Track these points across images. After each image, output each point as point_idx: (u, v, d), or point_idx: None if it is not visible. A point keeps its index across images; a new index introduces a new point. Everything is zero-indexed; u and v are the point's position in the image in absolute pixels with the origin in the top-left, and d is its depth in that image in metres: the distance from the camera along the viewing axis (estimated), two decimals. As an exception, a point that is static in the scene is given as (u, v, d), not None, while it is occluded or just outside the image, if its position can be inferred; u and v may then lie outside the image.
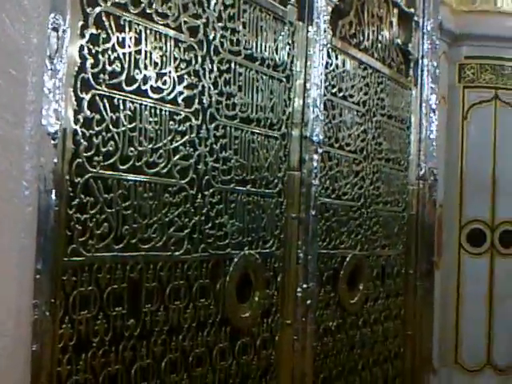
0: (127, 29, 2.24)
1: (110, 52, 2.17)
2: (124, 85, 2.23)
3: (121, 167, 2.22)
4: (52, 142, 1.93)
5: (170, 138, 2.41)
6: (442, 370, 4.87)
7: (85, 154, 2.09)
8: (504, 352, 5.16)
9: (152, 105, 2.34)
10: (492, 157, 5.06)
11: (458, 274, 5.00)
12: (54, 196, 1.94)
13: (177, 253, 2.45)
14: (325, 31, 3.27)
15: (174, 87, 2.43)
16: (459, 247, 5.00)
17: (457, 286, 4.96)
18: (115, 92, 2.19)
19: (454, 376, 4.94)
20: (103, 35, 2.15)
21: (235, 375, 2.77)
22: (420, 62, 4.37)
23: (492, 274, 5.04)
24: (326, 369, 3.42)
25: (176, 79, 2.43)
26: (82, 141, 2.08)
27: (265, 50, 2.91)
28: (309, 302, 3.15)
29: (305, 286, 3.12)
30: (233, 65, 2.72)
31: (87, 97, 2.10)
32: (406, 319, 4.28)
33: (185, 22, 2.48)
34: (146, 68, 2.31)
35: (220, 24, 2.64)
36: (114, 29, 2.19)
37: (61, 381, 2.03)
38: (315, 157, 3.19)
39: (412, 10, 4.27)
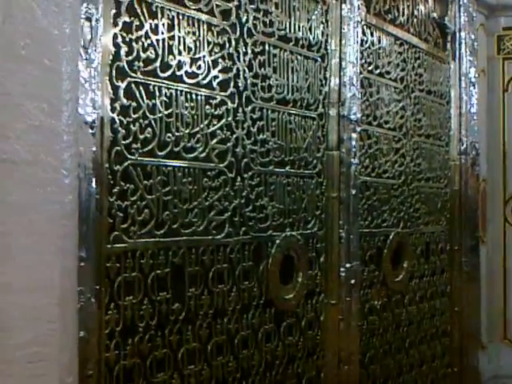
0: (159, 15, 2.24)
1: (143, 39, 2.18)
2: (159, 71, 2.24)
3: (159, 153, 2.24)
4: (90, 130, 1.94)
5: (206, 122, 2.41)
6: (491, 346, 4.81)
7: (123, 142, 2.11)
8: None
9: (187, 90, 2.34)
10: (535, 128, 4.96)
11: (504, 248, 4.92)
12: (94, 184, 1.96)
13: (218, 236, 2.46)
14: (358, 8, 3.24)
15: (208, 71, 2.43)
16: (504, 221, 4.92)
17: (503, 261, 4.88)
18: (150, 79, 2.20)
19: (502, 351, 4.88)
20: (136, 23, 2.16)
21: (281, 356, 2.78)
22: (457, 35, 4.30)
23: (539, 247, 4.96)
24: (372, 348, 3.41)
25: (210, 63, 2.43)
26: (119, 129, 2.09)
27: (298, 30, 2.90)
28: (353, 281, 3.14)
29: (348, 265, 3.11)
30: (267, 46, 2.71)
31: (123, 85, 2.11)
32: (452, 296, 4.24)
33: (217, 6, 2.47)
34: (180, 54, 2.31)
35: (252, 6, 2.63)
36: (146, 16, 2.20)
37: (109, 366, 2.06)
38: (353, 135, 3.17)
39: (447, -18, 4.20)
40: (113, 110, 2.07)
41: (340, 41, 3.12)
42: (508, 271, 4.89)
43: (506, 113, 4.96)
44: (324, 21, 3.05)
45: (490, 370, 4.74)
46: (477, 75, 4.43)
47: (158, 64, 2.23)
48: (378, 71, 3.47)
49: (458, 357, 4.28)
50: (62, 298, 1.78)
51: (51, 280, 1.75)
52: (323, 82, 3.05)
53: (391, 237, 3.54)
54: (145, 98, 2.19)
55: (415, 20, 3.86)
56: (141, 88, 2.17)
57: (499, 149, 4.92)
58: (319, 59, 3.02)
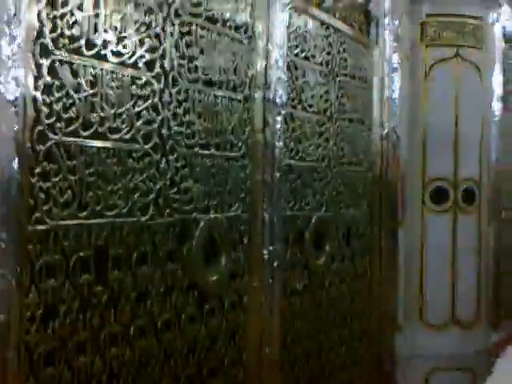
0: (85, -8, 2.20)
1: (68, 16, 2.13)
2: (84, 49, 2.20)
3: (83, 133, 2.20)
4: (12, 108, 1.90)
5: (132, 102, 2.39)
6: (407, 327, 4.96)
7: (46, 121, 2.06)
8: (467, 308, 5.27)
9: (113, 69, 2.31)
10: (454, 114, 5.10)
11: (422, 231, 5.06)
12: (16, 164, 1.92)
13: (142, 218, 2.45)
14: (286, -9, 3.26)
15: (134, 51, 2.40)
16: (422, 205, 5.06)
17: (421, 244, 5.03)
18: (75, 57, 2.16)
19: (418, 332, 5.04)
20: (61, -1, 2.11)
21: (204, 339, 2.79)
22: (381, 21, 4.37)
23: (455, 230, 5.12)
24: (293, 329, 3.47)
25: (137, 43, 2.41)
26: (42, 107, 2.05)
27: (226, 11, 2.89)
28: (275, 263, 3.18)
29: (271, 247, 3.15)
30: (194, 27, 2.70)
31: (47, 62, 2.06)
32: (371, 278, 4.34)
33: (144, -16, 2.44)
34: (105, 32, 2.27)
35: (180, -15, 2.61)
36: (71, -8, 2.15)
37: (30, 350, 2.03)
38: (278, 118, 3.20)
39: (373, -32, 4.26)
40: (36, 88, 2.03)
41: (267, 23, 3.13)
42: (426, 254, 5.04)
43: (427, 98, 5.08)
44: (251, 3, 3.05)
45: (407, 350, 4.89)
46: (399, 61, 4.52)
47: (83, 42, 2.19)
48: (303, 55, 3.50)
49: (376, 338, 4.39)
50: (-18, 282, 1.74)
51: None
52: (250, 64, 3.06)
53: (313, 220, 3.60)
54: (69, 76, 2.14)
55: (341, 5, 3.91)
56: (65, 66, 2.13)
57: (420, 134, 5.04)
58: (246, 41, 3.03)
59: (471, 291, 5.28)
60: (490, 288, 5.47)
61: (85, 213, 2.21)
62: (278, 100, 3.17)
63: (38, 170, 2.04)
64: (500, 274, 5.79)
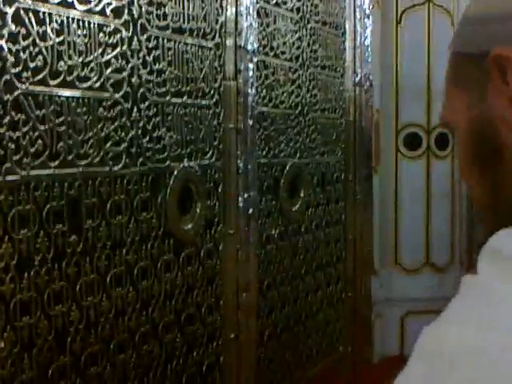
0: None
1: (31, -38, 2.08)
2: (49, -4, 2.15)
3: (51, 82, 2.16)
4: (-23, 58, 1.86)
5: (100, 50, 2.35)
6: (383, 271, 5.02)
7: (12, 71, 2.02)
8: (442, 251, 5.33)
9: (79, 17, 2.26)
10: (427, 60, 5.09)
11: (396, 177, 5.09)
12: (-17, 114, 1.88)
13: (115, 168, 2.43)
14: None
15: (101, -2, 2.35)
16: (396, 151, 5.08)
17: (395, 190, 5.06)
18: (40, 4, 2.11)
19: (394, 276, 5.10)
20: None
21: (181, 286, 2.80)
22: (352, -35, 4.32)
23: (428, 175, 5.15)
24: (269, 275, 3.49)
25: (103, -11, 2.35)
26: (8, 56, 2.00)
27: (194, -44, 2.83)
28: (251, 211, 3.17)
29: (246, 195, 3.14)
30: (162, -27, 2.64)
31: (10, 10, 2.01)
32: (346, 224, 4.37)
33: None
34: (70, -22, 2.22)
35: None
36: None
37: (5, 300, 2.02)
38: (250, 66, 3.16)
39: None
40: (0, 36, 1.98)
41: (236, -31, 3.08)
42: (399, 200, 5.07)
43: (399, 45, 5.06)
44: None
45: (382, 294, 4.95)
46: (371, 7, 4.48)
47: (47, -11, 2.14)
48: (274, 1, 3.45)
49: (352, 283, 4.44)
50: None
51: None
52: (219, 11, 3.01)
53: (288, 167, 3.60)
54: (34, 24, 2.10)
55: (311, -50, 3.85)
56: (30, 14, 2.08)
57: (392, 80, 5.04)
58: (215, -13, 2.98)
59: (445, 235, 5.34)
60: (463, 232, 5.53)
61: (56, 163, 2.19)
62: (249, 47, 3.13)
63: (6, 120, 2.00)
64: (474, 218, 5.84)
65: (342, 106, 4.28)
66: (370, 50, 4.44)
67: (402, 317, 5.11)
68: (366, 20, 4.41)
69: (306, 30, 3.79)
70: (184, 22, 2.78)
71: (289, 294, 3.69)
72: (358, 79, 4.36)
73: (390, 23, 5.05)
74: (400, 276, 5.10)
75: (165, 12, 2.66)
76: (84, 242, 2.30)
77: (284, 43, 3.56)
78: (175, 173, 2.73)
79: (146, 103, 2.57)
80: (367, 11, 4.42)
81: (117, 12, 2.42)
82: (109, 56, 2.38)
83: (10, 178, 2.02)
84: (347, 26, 4.31)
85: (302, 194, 3.78)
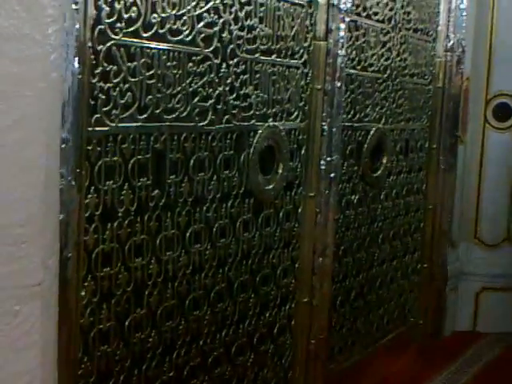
0: None
1: None
2: None
3: (144, 34, 2.16)
4: (73, 6, 1.86)
5: (194, 3, 2.33)
6: (462, 244, 4.92)
7: (107, 20, 2.03)
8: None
9: (175, -30, 2.25)
10: (524, 27, 4.88)
11: (482, 149, 4.94)
12: (76, 63, 1.89)
13: (201, 124, 2.43)
14: None
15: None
16: (484, 121, 4.92)
17: (480, 162, 4.92)
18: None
19: (472, 250, 4.99)
20: None
21: (258, 246, 2.81)
22: None
23: (516, 149, 4.99)
24: (347, 241, 3.47)
25: None
26: (103, 6, 2.01)
27: None
28: (332, 174, 3.14)
29: (328, 158, 3.11)
30: None
31: (108, -40, 2.02)
32: (427, 193, 4.29)
33: None
34: None
35: None
36: None
37: (88, 249, 2.06)
38: (342, 26, 3.10)
39: None
40: (97, -15, 1.99)
41: None
42: (484, 172, 4.94)
43: (495, 10, 4.87)
44: None
45: (458, 267, 4.86)
46: (469, -30, 4.32)
47: None
48: (370, -40, 3.36)
49: (429, 253, 4.38)
50: (45, 179, 1.74)
51: (34, 159, 1.71)
52: (314, -33, 2.95)
53: (372, 132, 3.54)
54: (130, -25, 2.09)
55: None
56: (127, -36, 2.08)
57: (486, 47, 4.85)
58: None
59: (528, 211, 5.18)
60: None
61: (144, 116, 2.20)
62: (342, 6, 3.07)
63: (98, 71, 2.02)
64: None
65: (432, 71, 4.18)
66: (464, 13, 4.30)
67: (478, 292, 5.02)
68: (462, -18, 4.26)
69: (401, -10, 3.69)
70: (278, -22, 2.74)
71: (364, 261, 3.67)
72: (450, 44, 4.24)
73: (488, -13, 4.87)
74: (478, 250, 4.99)
75: (259, -33, 2.62)
76: (166, 197, 2.32)
77: (377, 3, 3.47)
78: (260, 132, 2.71)
79: (235, 60, 2.55)
80: (464, -26, 4.27)
81: (211, -35, 2.39)
82: (201, 10, 2.37)
83: (99, 128, 2.04)
84: (443, -12, 4.18)
85: (384, 161, 3.72)
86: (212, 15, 2.41)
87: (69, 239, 1.96)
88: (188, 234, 2.44)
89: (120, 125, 2.12)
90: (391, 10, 3.61)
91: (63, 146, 1.88)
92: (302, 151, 3.01)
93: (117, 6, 2.05)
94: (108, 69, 2.06)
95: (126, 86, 2.12)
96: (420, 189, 4.22)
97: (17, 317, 1.67)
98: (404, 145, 3.95)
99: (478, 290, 5.01)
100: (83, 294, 2.07)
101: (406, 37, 3.80)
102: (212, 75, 2.45)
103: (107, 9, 2.02)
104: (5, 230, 1.63)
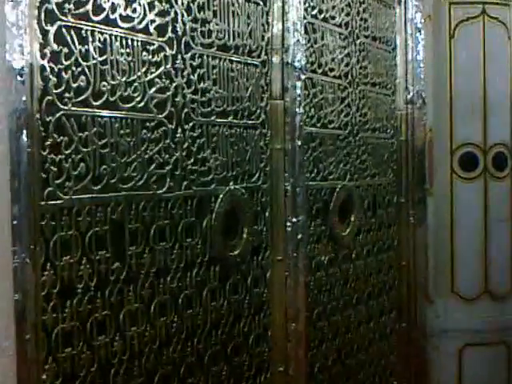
0: (91, -47, 2.17)
1: (73, -21, 2.11)
2: (91, 14, 2.17)
3: (94, 103, 2.19)
4: (19, 78, 1.88)
5: (144, 69, 2.37)
6: (439, 300, 4.93)
7: (55, 91, 2.05)
8: (501, 279, 5.22)
9: (123, 35, 2.29)
10: (482, 76, 5.02)
11: (451, 200, 5.01)
12: (25, 136, 1.90)
13: (159, 191, 2.44)
14: (301, -52, 3.20)
15: (144, 15, 2.37)
16: (451, 172, 5.00)
17: (450, 213, 4.98)
18: (82, 22, 2.14)
19: (450, 305, 5.01)
20: (65, -39, 2.09)
21: (227, 315, 2.79)
22: (403, -22, 4.31)
23: (486, 198, 5.07)
24: (320, 304, 3.46)
25: (146, 6, 2.38)
26: (50, 77, 2.03)
27: (239, -29, 2.85)
28: (299, 236, 3.16)
29: (294, 219, 3.13)
30: (206, -11, 2.66)
31: (53, 29, 2.05)
32: (399, 249, 4.32)
33: None
34: (113, -5, 2.25)
35: None
36: (76, -46, 2.12)
37: (47, 329, 2.03)
38: (298, 84, 3.16)
39: None
40: (43, 56, 2.01)
41: (282, -17, 3.09)
42: (455, 223, 4.99)
43: (453, 60, 5.01)
44: (265, -38, 3.01)
45: (437, 324, 4.87)
46: (423, 21, 4.46)
47: (90, 7, 2.16)
48: (322, 16, 3.45)
49: (406, 312, 4.38)
50: (-5, 258, 1.74)
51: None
52: (266, 27, 3.02)
53: (338, 189, 3.57)
54: (77, 43, 2.12)
55: (360, -38, 3.85)
56: (72, 32, 2.11)
57: (446, 97, 4.97)
58: (261, 3, 2.99)
59: (504, 261, 5.23)
60: (524, 257, 5.41)
61: (99, 186, 2.21)
62: (296, 64, 3.14)
63: (48, 143, 2.03)
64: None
65: (394, 124, 4.26)
66: (422, 65, 4.41)
67: (460, 349, 5.02)
68: (417, 34, 4.39)
69: (355, 45, 3.79)
70: (229, 39, 2.80)
71: (340, 324, 3.66)
72: (410, 96, 4.34)
73: (443, 37, 5.00)
74: (457, 305, 5.01)
75: (209, 29, 2.68)
76: (127, 269, 2.31)
77: (332, 60, 3.55)
78: (221, 196, 2.73)
79: (191, 124, 2.59)
80: (419, 25, 4.40)
81: (160, 29, 2.44)
82: (153, 75, 2.40)
83: (52, 202, 2.04)
84: (398, 41, 4.30)
85: (352, 218, 3.74)
86: (164, 80, 2.45)
87: (26, 320, 1.93)
88: (153, 307, 2.42)
89: (74, 197, 2.12)
90: (347, 65, 3.69)
91: (15, 222, 1.88)
92: (267, 213, 3.02)
93: (64, 75, 2.08)
94: (59, 140, 2.06)
95: (79, 156, 2.13)
96: (391, 245, 4.24)
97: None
98: (372, 201, 3.99)
99: (460, 347, 5.01)
100: (44, 377, 2.03)
101: (364, 91, 3.88)
102: (167, 141, 2.47)
103: (54, 79, 2.04)
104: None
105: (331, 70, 3.54)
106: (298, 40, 3.16)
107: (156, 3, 2.42)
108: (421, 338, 4.46)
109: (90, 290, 2.18)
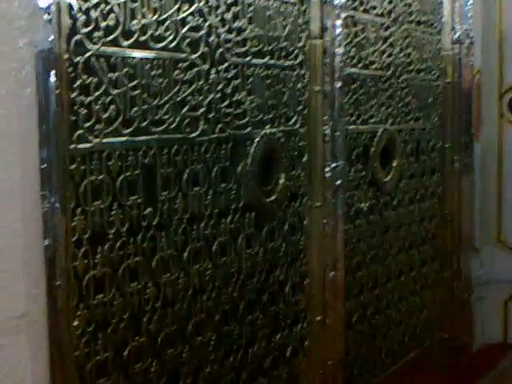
0: None
1: None
2: (121, -51, 2.15)
3: (124, 43, 2.17)
4: (46, 16, 1.87)
5: (176, 7, 2.34)
6: (485, 248, 4.89)
7: (83, 30, 2.04)
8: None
9: (154, -29, 2.26)
10: (535, 13, 4.89)
11: (499, 146, 4.93)
12: (53, 77, 1.90)
13: (192, 134, 2.43)
14: None
15: (176, -50, 2.34)
16: (500, 117, 4.92)
17: (498, 159, 4.91)
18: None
19: (496, 254, 4.96)
20: None
21: (263, 263, 2.80)
22: None
23: (536, 143, 4.98)
24: (359, 253, 3.45)
25: None
26: (78, 15, 2.02)
27: None
28: (338, 182, 3.14)
29: (333, 165, 3.11)
30: None
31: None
32: (443, 197, 4.28)
33: None
34: None
35: None
36: None
37: (78, 276, 2.05)
38: (338, 22, 3.10)
39: None
40: (70, -6, 2.00)
41: None
42: (503, 169, 4.92)
43: (504, -3, 4.88)
44: None
45: (483, 274, 4.83)
46: (472, -46, 4.33)
47: None
48: (364, -50, 3.37)
49: (449, 261, 4.35)
50: (24, 204, 1.75)
51: (11, 184, 1.72)
52: (304, -39, 2.96)
53: (379, 134, 3.53)
54: (106, -19, 2.10)
55: None
56: (101, -31, 2.09)
57: (495, 37, 4.86)
58: None
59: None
60: None
61: (130, 129, 2.21)
62: (336, 2, 3.07)
63: (77, 84, 2.02)
64: None
65: (439, 66, 4.17)
66: (470, 2, 4.30)
67: (506, 300, 4.98)
68: (466, -31, 4.28)
69: (400, -19, 3.70)
70: (265, -25, 2.75)
71: (380, 274, 3.65)
72: (456, 36, 4.24)
73: (493, -28, 4.88)
74: (503, 255, 4.96)
75: (244, -35, 2.64)
76: (160, 215, 2.32)
77: (375, -4, 3.48)
78: (256, 140, 2.72)
79: (225, 64, 2.56)
80: (468, -40, 4.28)
81: (193, -35, 2.41)
82: (185, 13, 2.37)
83: (81, 145, 2.04)
84: (445, -23, 4.20)
85: (394, 164, 3.71)
86: (197, 18, 2.42)
87: (56, 266, 1.96)
88: (186, 254, 2.44)
89: (104, 140, 2.12)
90: (390, 2, 3.62)
91: (44, 166, 1.89)
92: (304, 158, 3.00)
93: (93, 14, 2.06)
94: (88, 81, 2.06)
95: (109, 98, 2.13)
96: (435, 193, 4.20)
97: (0, 352, 1.67)
98: (415, 146, 3.94)
99: (506, 299, 4.98)
100: (76, 324, 2.06)
101: (408, 30, 3.80)
102: (201, 82, 2.46)
103: (83, 17, 2.03)
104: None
105: (373, 7, 3.47)
106: (339, -24, 3.10)
107: None
108: (464, 288, 4.44)
109: (121, 236, 2.19)
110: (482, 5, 4.70)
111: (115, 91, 2.15)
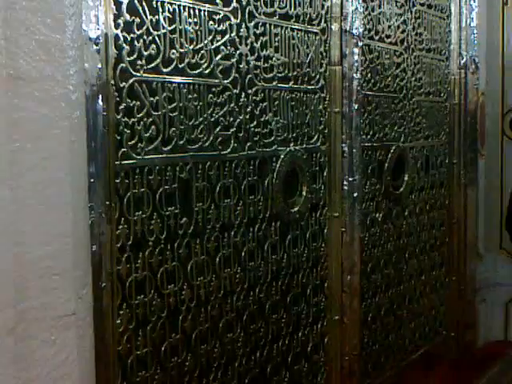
0: None
1: (145, -47, 2.09)
2: (161, -14, 2.16)
3: (164, 70, 2.18)
4: (94, 47, 1.89)
5: (210, 38, 2.35)
6: (488, 256, 4.85)
7: (128, 59, 2.05)
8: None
9: (190, 5, 2.27)
10: (534, 41, 4.85)
11: (501, 161, 4.89)
12: (100, 101, 1.92)
13: (224, 152, 2.44)
14: None
15: (211, -13, 2.35)
16: (502, 135, 4.88)
17: (500, 173, 4.87)
18: (153, -7, 2.13)
19: (498, 260, 4.92)
20: None
21: (287, 267, 2.80)
22: None
23: (536, 159, 4.93)
24: (374, 258, 3.43)
25: (213, -22, 2.35)
26: (124, 45, 2.04)
27: None
28: (355, 194, 3.12)
29: (351, 179, 3.09)
30: (269, -40, 2.62)
31: (125, 0, 2.04)
32: (451, 208, 4.24)
33: None
34: (182, -32, 2.23)
35: None
36: None
37: (121, 278, 2.07)
38: (356, 50, 3.10)
39: None
40: (116, 26, 2.01)
41: (342, -46, 3.01)
42: (505, 183, 4.88)
43: (505, 26, 4.84)
44: None
45: (487, 278, 4.79)
46: (477, -12, 4.31)
47: (160, -21, 2.15)
48: (379, -15, 3.37)
49: (456, 266, 4.31)
50: (74, 214, 1.76)
51: (63, 196, 1.73)
52: (325, -4, 2.96)
53: (392, 150, 3.52)
54: (148, 13, 2.12)
55: None
56: (144, 3, 2.10)
57: (498, 63, 4.82)
58: (321, -27, 2.92)
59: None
60: None
61: (169, 147, 2.22)
62: (354, 31, 3.07)
63: (122, 107, 2.04)
64: None
65: (447, 88, 4.15)
66: (475, 31, 4.28)
67: (507, 302, 4.95)
68: (471, 2, 4.25)
69: (411, 13, 3.69)
70: (290, 8, 2.75)
71: (392, 277, 3.63)
72: (463, 62, 4.22)
73: (497, 4, 4.85)
74: (505, 261, 4.93)
75: (272, -1, 2.64)
76: (194, 224, 2.33)
77: (389, 27, 3.47)
78: (282, 156, 2.71)
79: (254, 89, 2.56)
80: (473, -8, 4.25)
81: (226, 0, 2.41)
82: (218, 43, 2.38)
83: (125, 162, 2.06)
84: (452, 9, 4.17)
85: (406, 178, 3.69)
86: (229, 47, 2.43)
87: (102, 270, 1.97)
88: (218, 259, 2.44)
89: (146, 157, 2.13)
90: (403, 32, 3.60)
91: (92, 180, 1.90)
92: (324, 173, 3.00)
93: (136, 44, 2.08)
94: (131, 104, 2.08)
95: (150, 119, 2.14)
96: (443, 204, 4.17)
97: (52, 347, 1.68)
98: (424, 161, 3.92)
99: (507, 300, 4.94)
100: (119, 321, 2.07)
101: (419, 57, 3.78)
102: (232, 104, 2.46)
103: (127, 48, 2.05)
104: (37, 263, 1.65)
105: (388, 36, 3.46)
106: (356, 8, 3.09)
107: (222, -26, 2.39)
108: (469, 291, 4.40)
109: (160, 243, 2.20)
110: (487, 34, 4.68)
111: (156, 113, 2.16)
